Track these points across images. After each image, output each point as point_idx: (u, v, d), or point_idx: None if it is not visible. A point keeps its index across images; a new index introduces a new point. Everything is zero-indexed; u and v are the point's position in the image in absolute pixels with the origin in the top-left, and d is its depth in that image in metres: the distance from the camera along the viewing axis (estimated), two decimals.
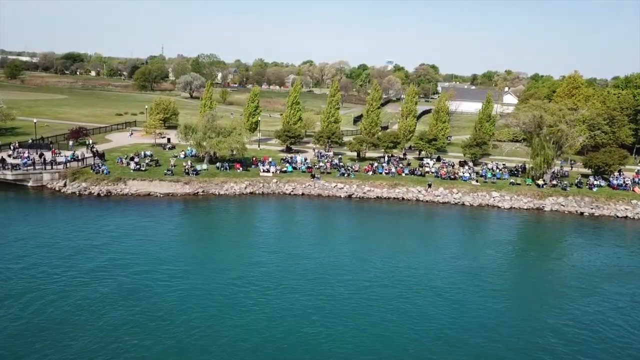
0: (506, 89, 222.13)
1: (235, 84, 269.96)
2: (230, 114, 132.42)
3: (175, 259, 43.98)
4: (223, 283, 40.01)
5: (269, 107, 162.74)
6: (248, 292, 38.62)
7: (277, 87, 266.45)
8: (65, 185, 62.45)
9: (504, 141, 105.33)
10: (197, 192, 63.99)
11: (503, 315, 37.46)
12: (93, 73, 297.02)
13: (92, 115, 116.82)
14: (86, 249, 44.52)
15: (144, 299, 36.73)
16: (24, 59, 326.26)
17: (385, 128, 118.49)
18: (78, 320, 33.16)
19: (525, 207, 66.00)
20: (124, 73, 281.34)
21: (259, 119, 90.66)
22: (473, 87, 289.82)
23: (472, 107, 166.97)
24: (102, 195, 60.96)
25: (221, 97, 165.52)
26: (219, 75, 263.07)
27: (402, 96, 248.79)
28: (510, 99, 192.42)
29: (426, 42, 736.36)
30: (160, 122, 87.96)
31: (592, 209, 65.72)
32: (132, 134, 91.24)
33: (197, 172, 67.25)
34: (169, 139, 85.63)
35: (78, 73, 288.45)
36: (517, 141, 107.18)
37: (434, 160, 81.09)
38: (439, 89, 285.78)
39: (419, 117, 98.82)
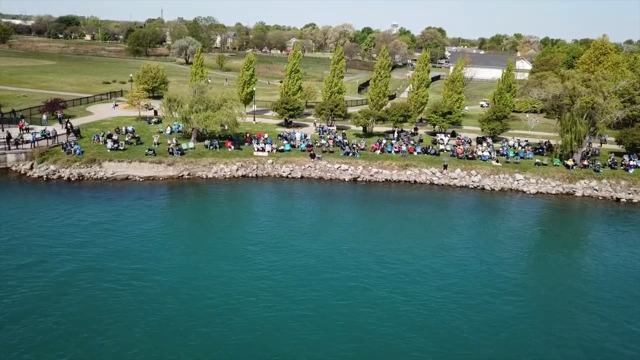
0: (518, 54, 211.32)
1: (235, 48, 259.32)
2: (224, 81, 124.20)
3: (155, 257, 37.31)
4: (210, 283, 34.32)
5: (268, 73, 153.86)
6: (239, 292, 33.63)
7: (278, 52, 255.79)
8: (32, 167, 54.99)
9: (523, 112, 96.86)
10: (182, 175, 56.47)
11: (523, 335, 30.75)
12: (88, 37, 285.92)
13: (78, 84, 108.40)
14: (41, 247, 37.36)
15: (120, 302, 30.95)
16: (17, 22, 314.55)
17: (393, 97, 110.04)
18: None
19: (553, 192, 58.34)
20: (120, 37, 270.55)
21: (255, 88, 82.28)
22: (482, 52, 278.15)
23: (484, 73, 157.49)
24: (73, 179, 53.48)
25: (218, 62, 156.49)
26: (218, 39, 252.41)
27: (408, 61, 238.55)
28: (524, 64, 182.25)
29: (432, 4, 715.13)
30: (146, 92, 79.80)
31: (629, 194, 58.04)
32: (116, 105, 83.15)
33: (182, 152, 59.57)
34: (155, 112, 77.58)
35: (72, 37, 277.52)
36: (534, 112, 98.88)
37: (449, 136, 73.06)
38: (447, 53, 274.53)
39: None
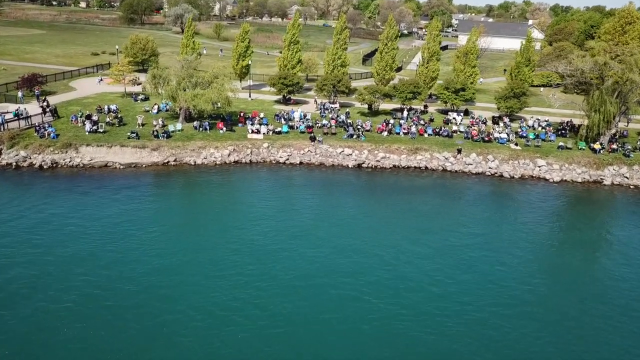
0: (530, 22, 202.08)
1: (235, 16, 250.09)
2: (219, 52, 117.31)
3: (135, 259, 32.64)
4: (200, 284, 31.17)
5: (267, 43, 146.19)
6: (230, 294, 30.51)
7: (280, 20, 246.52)
8: (0, 153, 49.46)
9: (545, 87, 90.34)
10: (168, 161, 50.91)
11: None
12: (83, 4, 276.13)
13: (64, 56, 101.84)
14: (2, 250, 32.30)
15: (95, 314, 25.85)
16: None
17: (399, 69, 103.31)
18: None
19: (579, 180, 52.72)
20: (116, 4, 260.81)
21: (250, 61, 75.88)
22: (490, 20, 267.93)
23: (495, 43, 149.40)
24: (45, 167, 48.00)
25: (214, 32, 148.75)
26: (217, 6, 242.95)
27: (414, 29, 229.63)
28: (536, 34, 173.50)
29: None
30: (132, 65, 73.60)
31: None
32: (101, 80, 76.93)
33: (168, 135, 53.88)
34: (144, 88, 71.32)
35: (67, 4, 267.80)
36: (549, 86, 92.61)
37: (461, 114, 66.92)
38: (454, 21, 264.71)
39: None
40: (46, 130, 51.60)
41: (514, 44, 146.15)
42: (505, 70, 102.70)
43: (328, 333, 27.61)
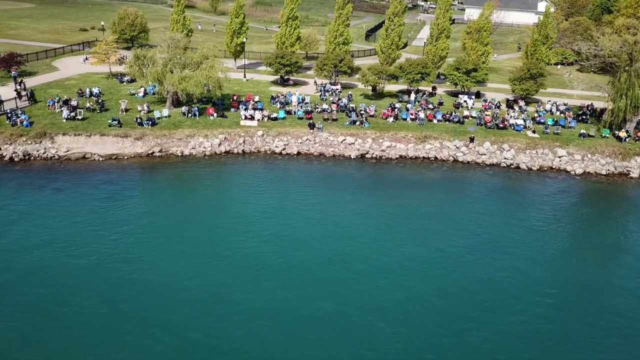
0: None
1: None
2: (213, 27, 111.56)
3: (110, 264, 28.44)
4: (191, 287, 28.80)
5: (267, 17, 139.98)
6: (224, 297, 28.41)
7: None
8: None
9: (553, 64, 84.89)
10: (153, 152, 46.40)
11: None
12: None
13: (50, 32, 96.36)
14: None
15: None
16: None
17: (405, 45, 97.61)
18: None
19: (603, 172, 48.16)
20: None
21: (245, 39, 70.58)
22: None
23: (505, 17, 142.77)
24: (17, 159, 43.51)
25: (211, 5, 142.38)
26: None
27: (419, 2, 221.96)
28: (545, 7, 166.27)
29: None
30: (117, 44, 68.51)
31: None
32: (86, 58, 71.81)
33: (153, 122, 49.23)
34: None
35: None
36: (568, 64, 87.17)
37: (473, 97, 61.93)
38: None
39: None
40: (19, 117, 47.00)
41: (524, 17, 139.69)
42: (519, 47, 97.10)
43: (327, 333, 26.15)
